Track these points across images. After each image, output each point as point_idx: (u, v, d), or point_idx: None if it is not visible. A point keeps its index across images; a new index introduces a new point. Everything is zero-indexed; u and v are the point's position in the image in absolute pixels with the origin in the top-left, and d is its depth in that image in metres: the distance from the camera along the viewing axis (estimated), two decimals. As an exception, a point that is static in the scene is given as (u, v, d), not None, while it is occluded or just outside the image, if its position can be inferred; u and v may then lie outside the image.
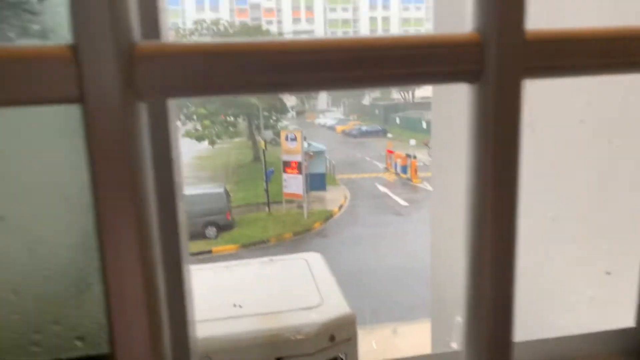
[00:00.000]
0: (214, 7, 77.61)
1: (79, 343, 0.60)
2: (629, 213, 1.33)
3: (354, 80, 0.35)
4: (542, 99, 1.52)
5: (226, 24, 28.01)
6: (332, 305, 0.94)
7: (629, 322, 0.58)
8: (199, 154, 35.68)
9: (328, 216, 17.33)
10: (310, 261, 1.14)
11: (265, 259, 1.15)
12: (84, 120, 0.30)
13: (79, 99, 0.30)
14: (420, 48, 0.35)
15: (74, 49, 0.29)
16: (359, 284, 11.36)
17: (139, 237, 0.32)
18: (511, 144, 0.37)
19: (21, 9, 0.61)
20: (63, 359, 0.61)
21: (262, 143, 19.18)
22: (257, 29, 29.06)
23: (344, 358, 0.89)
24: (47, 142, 0.58)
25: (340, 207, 18.73)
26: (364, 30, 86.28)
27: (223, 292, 1.02)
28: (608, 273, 1.39)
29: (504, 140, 0.37)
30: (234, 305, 0.90)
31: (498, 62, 0.35)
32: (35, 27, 0.62)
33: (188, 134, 23.88)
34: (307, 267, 1.11)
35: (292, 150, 17.04)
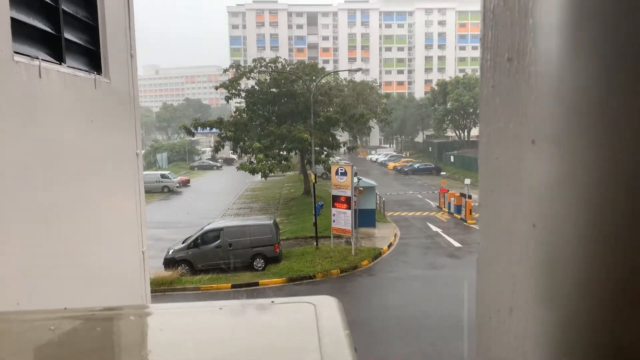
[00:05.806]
0: (274, 47, 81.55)
1: None
2: None
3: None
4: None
5: (284, 61, 28.89)
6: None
7: None
8: (252, 186, 36.46)
9: (376, 254, 16.77)
10: (320, 307, 0.89)
11: (267, 300, 0.92)
12: None
13: None
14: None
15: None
16: (404, 331, 10.68)
17: None
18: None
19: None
20: None
21: (313, 177, 19.15)
22: (313, 67, 29.75)
23: None
24: None
25: (390, 245, 18.10)
26: (419, 69, 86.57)
27: (199, 341, 0.79)
28: None
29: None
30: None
31: None
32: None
33: (243, 167, 24.44)
34: (313, 314, 0.86)
35: (342, 184, 16.87)
